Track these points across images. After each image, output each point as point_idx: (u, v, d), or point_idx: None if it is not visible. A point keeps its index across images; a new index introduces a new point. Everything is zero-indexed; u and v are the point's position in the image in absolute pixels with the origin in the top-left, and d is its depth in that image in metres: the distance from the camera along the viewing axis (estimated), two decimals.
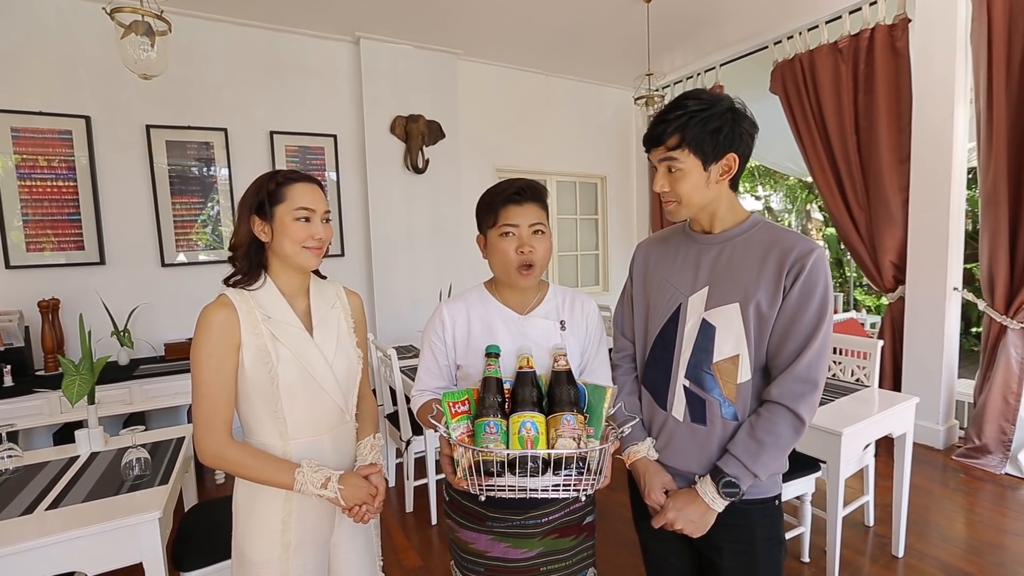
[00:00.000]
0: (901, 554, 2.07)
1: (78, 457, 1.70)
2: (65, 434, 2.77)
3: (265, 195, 1.04)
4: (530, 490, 0.91)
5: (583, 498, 0.93)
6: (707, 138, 0.94)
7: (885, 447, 2.85)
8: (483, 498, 0.91)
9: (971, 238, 3.35)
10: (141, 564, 1.35)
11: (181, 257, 3.29)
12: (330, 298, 1.17)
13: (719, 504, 0.96)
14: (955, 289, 3.03)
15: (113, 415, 2.74)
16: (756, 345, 0.98)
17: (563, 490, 0.91)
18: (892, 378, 3.26)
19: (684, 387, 1.04)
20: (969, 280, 3.11)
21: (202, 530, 1.63)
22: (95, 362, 1.75)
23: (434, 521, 2.45)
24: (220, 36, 3.32)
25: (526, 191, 1.08)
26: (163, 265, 3.23)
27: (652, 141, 1.00)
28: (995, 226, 2.78)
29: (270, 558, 1.05)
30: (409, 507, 2.57)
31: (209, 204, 3.35)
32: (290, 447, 1.06)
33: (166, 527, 1.43)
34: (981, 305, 2.91)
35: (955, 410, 3.17)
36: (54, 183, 2.95)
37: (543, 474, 0.89)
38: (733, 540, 1.01)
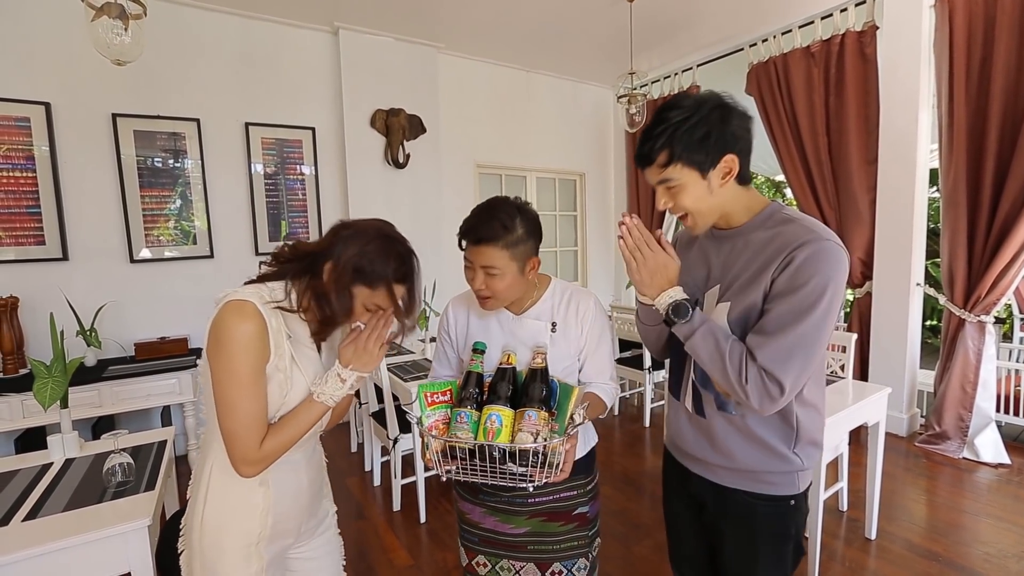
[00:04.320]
0: (874, 536, 2.18)
1: (51, 464, 1.61)
2: (28, 440, 2.62)
3: (372, 272, 0.92)
4: (489, 474, 0.99)
5: (531, 489, 0.97)
6: (696, 147, 0.90)
7: (854, 435, 2.99)
8: (444, 479, 1.03)
9: (929, 236, 3.53)
10: (129, 575, 1.29)
11: (151, 253, 3.14)
12: None
13: (661, 300, 0.97)
14: (918, 285, 3.20)
15: (82, 419, 2.60)
16: None
17: (517, 479, 0.98)
18: (859, 369, 3.42)
19: (692, 381, 1.06)
20: (926, 276, 3.29)
21: None
22: (68, 363, 1.66)
23: (423, 519, 2.43)
24: (193, 22, 3.18)
25: (478, 231, 1.06)
26: (132, 261, 3.08)
27: (642, 160, 0.96)
28: (955, 225, 2.94)
29: None
30: (397, 506, 2.54)
31: (180, 197, 3.21)
32: None
33: (154, 535, 1.37)
34: (942, 300, 3.08)
35: (916, 399, 3.35)
36: (10, 174, 2.77)
37: (503, 463, 0.98)
38: (734, 527, 1.04)
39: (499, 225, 1.06)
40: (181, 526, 1.07)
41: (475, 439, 1.00)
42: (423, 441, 1.05)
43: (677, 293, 0.96)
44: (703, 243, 1.08)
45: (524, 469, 0.98)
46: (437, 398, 1.07)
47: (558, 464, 0.97)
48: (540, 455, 0.96)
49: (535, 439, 0.97)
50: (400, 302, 0.99)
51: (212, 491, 0.98)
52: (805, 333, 0.87)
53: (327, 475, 1.21)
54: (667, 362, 1.16)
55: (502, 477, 0.98)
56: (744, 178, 0.97)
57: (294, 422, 0.95)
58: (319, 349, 1.05)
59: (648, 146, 0.94)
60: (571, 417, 0.99)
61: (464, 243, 1.10)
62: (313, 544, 1.13)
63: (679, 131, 0.90)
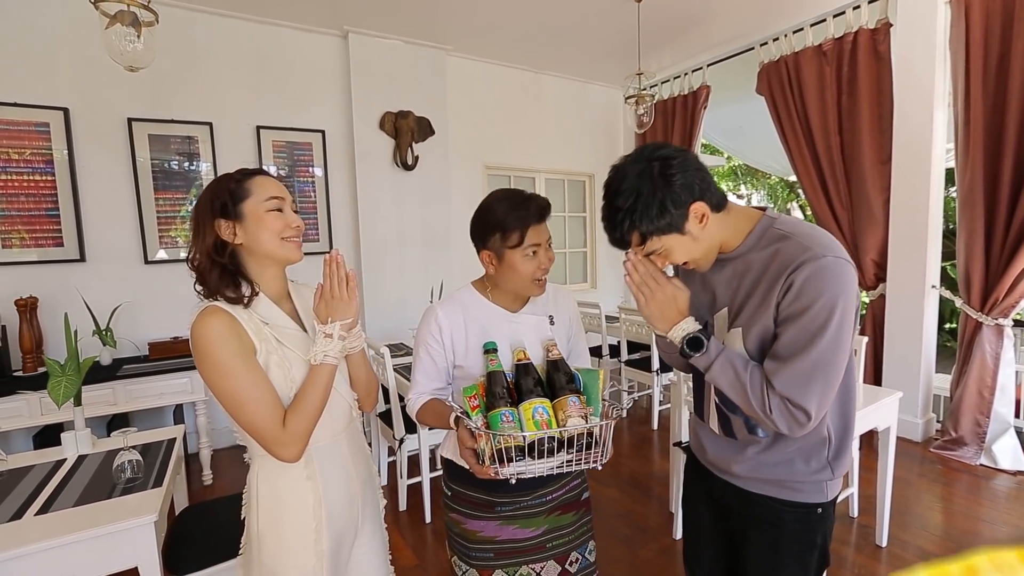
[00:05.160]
0: (884, 544, 2.13)
1: (65, 460, 1.66)
2: (45, 437, 2.69)
3: (227, 194, 0.97)
4: (549, 468, 0.97)
5: (599, 467, 0.99)
6: (659, 217, 0.88)
7: (866, 440, 2.94)
8: (513, 481, 0.96)
9: (945, 237, 3.45)
10: (136, 569, 1.32)
11: (166, 254, 3.21)
12: (309, 298, 1.12)
13: (674, 333, 0.97)
14: (933, 287, 3.13)
15: (96, 416, 2.66)
16: None
17: (578, 464, 0.97)
18: (873, 373, 3.36)
19: (715, 404, 1.06)
20: (942, 278, 3.22)
21: (196, 533, 1.60)
22: (81, 362, 1.70)
23: (428, 519, 2.44)
24: (205, 28, 3.24)
25: (547, 208, 1.11)
26: (146, 262, 3.15)
27: (620, 246, 0.96)
28: (971, 226, 2.87)
29: (305, 571, 1.00)
30: (403, 506, 2.56)
31: (195, 199, 3.27)
32: (311, 453, 1.01)
33: (161, 530, 1.40)
34: (958, 302, 3.01)
35: (932, 403, 3.28)
36: (30, 177, 2.85)
37: (558, 453, 0.96)
38: (760, 533, 1.02)
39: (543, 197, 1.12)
40: (241, 546, 1.08)
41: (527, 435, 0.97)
42: (473, 451, 0.99)
43: (690, 325, 0.96)
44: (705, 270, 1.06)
45: (574, 456, 0.96)
46: (473, 402, 1.02)
47: (608, 442, 0.98)
48: (595, 436, 0.97)
49: (587, 421, 0.97)
50: (278, 193, 1.00)
51: (263, 499, 1.00)
52: (820, 355, 0.84)
53: (374, 466, 1.23)
54: (692, 385, 1.16)
55: (567, 464, 0.97)
56: (719, 205, 0.93)
57: (308, 392, 0.96)
58: (302, 325, 1.06)
59: (617, 235, 0.94)
60: (603, 398, 1.02)
61: (528, 231, 1.07)
62: (368, 537, 1.16)
63: (635, 214, 0.89)
